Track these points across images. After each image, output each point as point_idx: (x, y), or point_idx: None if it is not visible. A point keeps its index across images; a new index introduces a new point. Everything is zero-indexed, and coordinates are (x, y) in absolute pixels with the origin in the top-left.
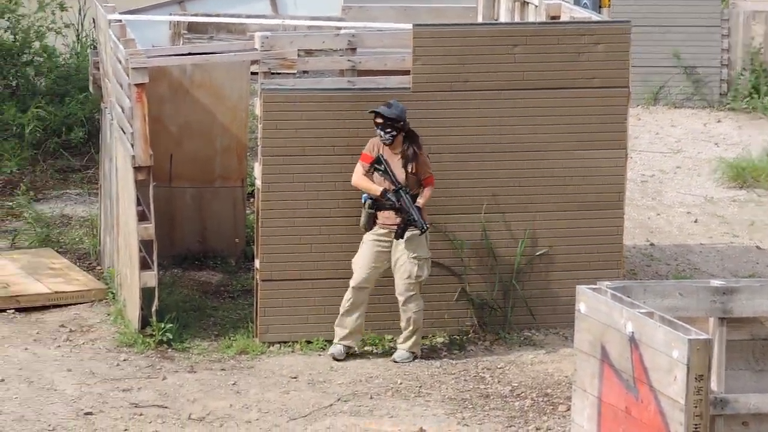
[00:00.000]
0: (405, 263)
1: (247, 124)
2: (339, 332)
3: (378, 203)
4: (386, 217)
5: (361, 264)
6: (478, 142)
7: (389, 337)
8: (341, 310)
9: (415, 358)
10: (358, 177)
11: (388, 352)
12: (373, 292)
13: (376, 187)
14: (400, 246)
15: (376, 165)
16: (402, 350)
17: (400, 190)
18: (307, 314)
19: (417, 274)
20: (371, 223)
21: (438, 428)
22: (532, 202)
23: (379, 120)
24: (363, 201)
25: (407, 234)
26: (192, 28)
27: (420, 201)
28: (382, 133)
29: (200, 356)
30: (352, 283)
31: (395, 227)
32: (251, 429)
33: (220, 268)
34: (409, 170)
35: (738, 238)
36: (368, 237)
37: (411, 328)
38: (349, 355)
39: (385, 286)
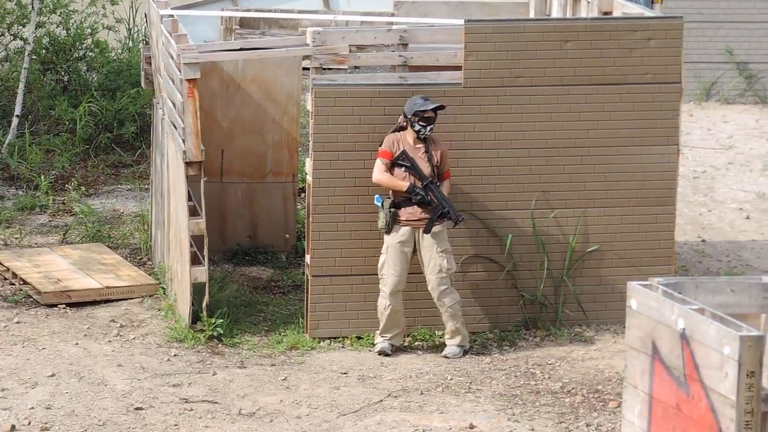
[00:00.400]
0: (434, 258)
1: (299, 120)
2: (385, 336)
3: (398, 201)
4: (410, 213)
5: (392, 271)
6: (530, 137)
7: (439, 332)
8: (383, 319)
9: (466, 352)
10: (381, 174)
11: (438, 348)
12: (422, 288)
13: (402, 182)
14: (426, 241)
15: (401, 161)
16: (452, 346)
17: (430, 184)
18: (358, 310)
19: (447, 267)
20: (393, 222)
21: (488, 424)
22: (584, 198)
23: (432, 114)
24: (379, 203)
25: (435, 228)
26: (244, 23)
27: (444, 194)
28: (431, 127)
29: (250, 351)
30: (388, 289)
31: (420, 223)
32: (301, 424)
33: (271, 263)
34: (434, 163)
35: None
36: (391, 241)
37: (452, 322)
38: (399, 349)
39: None
